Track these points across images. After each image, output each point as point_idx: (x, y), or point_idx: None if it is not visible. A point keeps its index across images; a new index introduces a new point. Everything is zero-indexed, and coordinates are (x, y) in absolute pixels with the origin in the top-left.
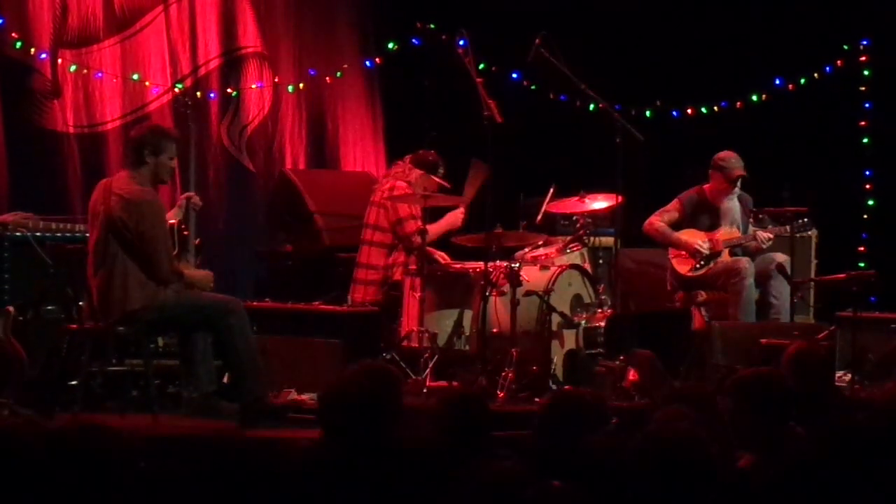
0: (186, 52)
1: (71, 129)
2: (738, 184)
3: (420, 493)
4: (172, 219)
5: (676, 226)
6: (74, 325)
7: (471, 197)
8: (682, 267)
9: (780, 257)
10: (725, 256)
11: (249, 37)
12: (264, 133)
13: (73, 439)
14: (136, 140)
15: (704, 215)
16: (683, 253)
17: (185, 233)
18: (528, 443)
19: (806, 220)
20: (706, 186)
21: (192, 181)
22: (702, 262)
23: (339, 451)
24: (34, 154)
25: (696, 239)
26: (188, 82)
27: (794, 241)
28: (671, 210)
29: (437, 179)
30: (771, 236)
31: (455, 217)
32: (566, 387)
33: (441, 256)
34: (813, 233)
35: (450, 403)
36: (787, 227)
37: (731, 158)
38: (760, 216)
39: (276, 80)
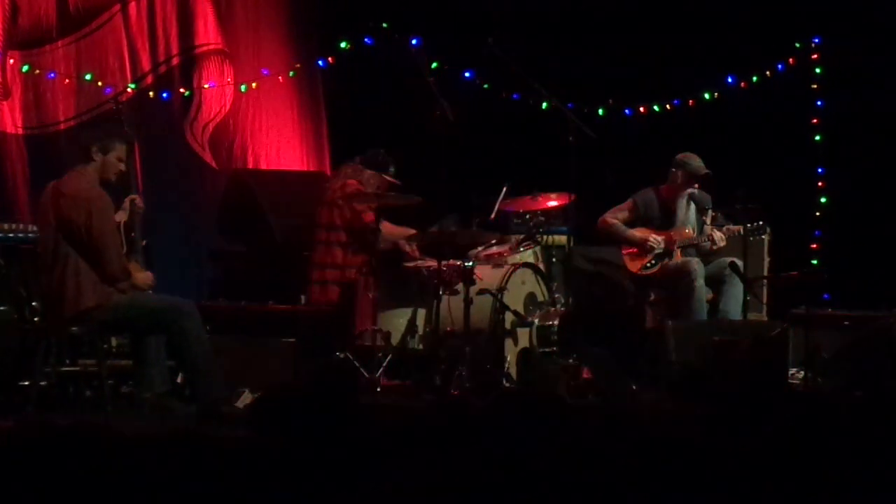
0: (146, 50)
1: (21, 131)
2: (697, 183)
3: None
4: (118, 220)
5: (630, 224)
6: (27, 326)
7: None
8: (634, 265)
9: (734, 258)
10: (678, 256)
11: (210, 34)
12: (226, 130)
13: (25, 440)
14: (85, 137)
15: (658, 214)
16: (636, 251)
17: (132, 235)
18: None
19: (760, 223)
20: (662, 186)
21: (134, 184)
22: (653, 261)
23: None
24: None
25: (650, 236)
26: (149, 79)
27: (746, 240)
28: (625, 208)
29: (388, 178)
30: (724, 237)
31: (409, 240)
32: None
33: (411, 249)
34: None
35: None
36: (741, 228)
37: (694, 158)
38: (714, 214)
39: (230, 79)
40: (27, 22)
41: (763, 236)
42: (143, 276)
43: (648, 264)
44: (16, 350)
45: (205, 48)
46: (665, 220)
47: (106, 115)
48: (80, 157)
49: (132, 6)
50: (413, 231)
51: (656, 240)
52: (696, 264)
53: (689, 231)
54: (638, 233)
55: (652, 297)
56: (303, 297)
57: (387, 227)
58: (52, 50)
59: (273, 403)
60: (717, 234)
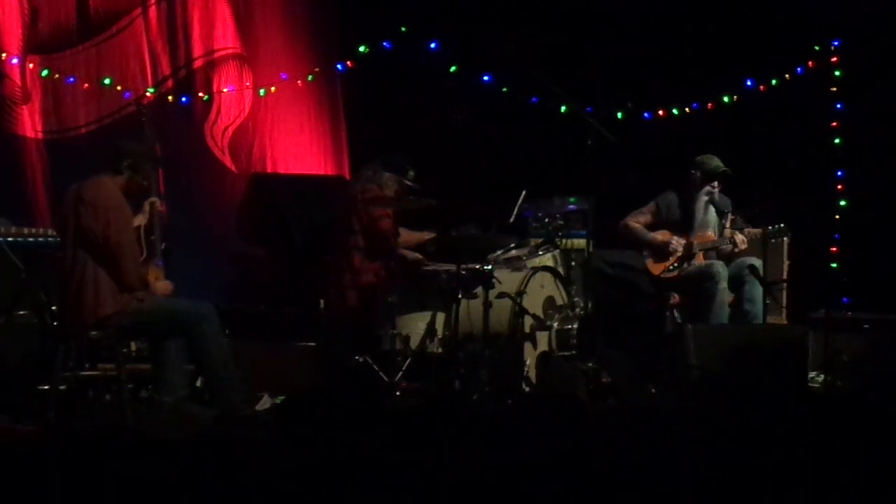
0: (167, 54)
1: (41, 135)
2: (716, 184)
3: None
4: (137, 223)
5: (652, 226)
6: (47, 330)
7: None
8: (656, 268)
9: (753, 260)
10: (699, 259)
11: (229, 38)
12: (245, 134)
13: (47, 444)
14: (121, 149)
15: (680, 217)
16: (658, 253)
17: (152, 238)
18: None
19: (781, 225)
20: (682, 188)
21: (155, 187)
22: (676, 264)
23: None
24: (4, 160)
25: (671, 240)
26: (169, 83)
27: (766, 243)
28: (647, 211)
29: (406, 182)
30: (746, 240)
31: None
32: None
33: (416, 258)
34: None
35: None
36: (762, 231)
37: (712, 158)
38: (734, 217)
39: (248, 83)
40: (47, 26)
41: (784, 238)
42: (163, 286)
43: (671, 267)
44: (36, 354)
45: (223, 52)
46: (687, 222)
47: (128, 118)
48: (109, 164)
49: (152, 10)
50: (430, 235)
51: (678, 242)
52: (719, 267)
53: (711, 233)
54: (660, 236)
55: (672, 300)
56: (322, 301)
57: (403, 235)
58: (72, 54)
59: (297, 406)
60: (739, 237)
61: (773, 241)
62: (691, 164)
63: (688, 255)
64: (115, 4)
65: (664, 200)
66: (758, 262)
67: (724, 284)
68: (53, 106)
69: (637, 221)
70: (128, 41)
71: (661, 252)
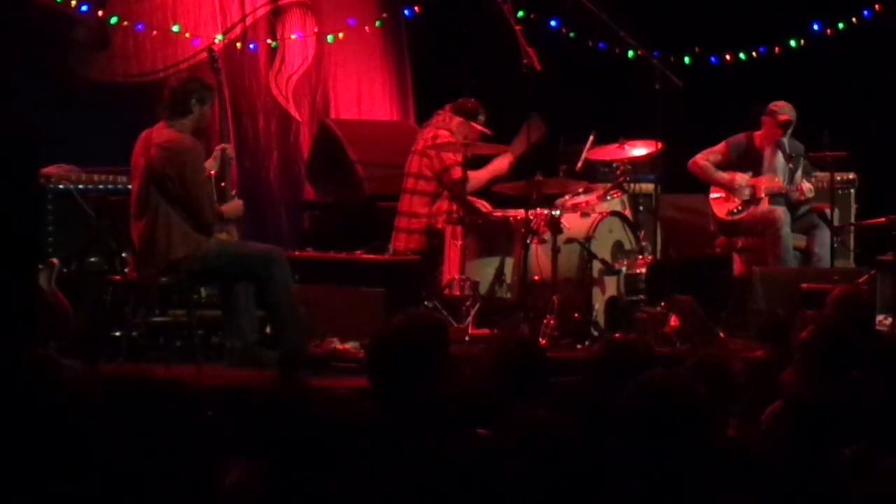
0: (235, 0)
1: (117, 79)
2: (786, 131)
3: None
4: (209, 170)
5: (722, 166)
6: (118, 277)
7: (521, 150)
8: (721, 210)
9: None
10: (764, 204)
11: None
12: (309, 82)
13: (123, 388)
14: (182, 90)
15: (749, 161)
16: (723, 196)
17: (223, 185)
18: (573, 390)
19: (851, 176)
20: (756, 133)
21: (226, 133)
22: (740, 207)
23: (385, 401)
24: (78, 106)
25: (736, 176)
26: (238, 30)
27: (834, 187)
28: (717, 151)
29: (478, 127)
30: (812, 187)
31: (501, 164)
32: (616, 335)
33: (482, 205)
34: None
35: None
36: (829, 174)
37: (783, 105)
38: (804, 163)
39: (316, 29)
40: None
41: (851, 190)
42: (233, 206)
43: (735, 210)
44: (107, 301)
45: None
46: (755, 167)
47: (201, 64)
48: (177, 108)
49: None
50: (500, 157)
51: (743, 178)
52: (782, 213)
53: (778, 180)
54: (726, 175)
55: (740, 244)
56: (390, 247)
57: (472, 177)
58: None
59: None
60: (807, 186)
61: (841, 191)
62: (765, 111)
63: (754, 197)
64: None
65: (735, 143)
66: (826, 209)
67: (787, 230)
68: (132, 51)
69: (706, 160)
70: None
71: (727, 191)
